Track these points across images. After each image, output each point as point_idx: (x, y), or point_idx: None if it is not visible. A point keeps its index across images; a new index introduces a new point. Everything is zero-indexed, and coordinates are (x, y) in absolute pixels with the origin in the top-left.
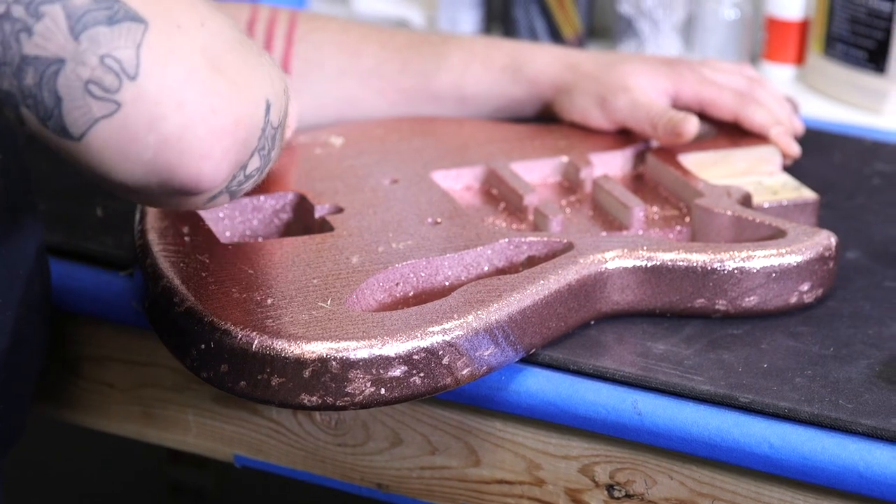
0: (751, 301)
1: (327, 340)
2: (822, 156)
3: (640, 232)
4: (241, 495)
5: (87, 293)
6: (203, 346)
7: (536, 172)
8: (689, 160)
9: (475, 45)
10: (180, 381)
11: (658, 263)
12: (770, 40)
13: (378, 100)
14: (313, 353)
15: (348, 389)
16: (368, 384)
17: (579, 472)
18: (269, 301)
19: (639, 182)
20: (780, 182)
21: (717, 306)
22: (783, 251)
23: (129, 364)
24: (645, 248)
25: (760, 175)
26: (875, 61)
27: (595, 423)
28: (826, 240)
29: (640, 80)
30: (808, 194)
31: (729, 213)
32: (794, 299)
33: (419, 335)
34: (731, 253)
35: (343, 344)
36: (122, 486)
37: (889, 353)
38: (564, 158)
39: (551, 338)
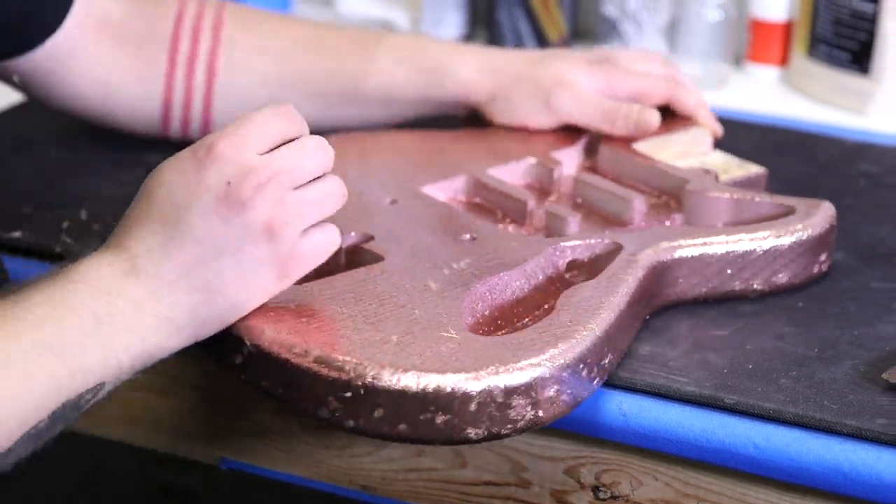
0: (783, 278)
1: (484, 370)
2: (808, 157)
3: (643, 224)
4: (229, 497)
5: None
6: (348, 394)
7: (507, 177)
8: (642, 147)
9: (405, 48)
10: (165, 384)
11: (705, 251)
12: (754, 42)
13: (305, 103)
14: (478, 384)
15: (511, 416)
16: (529, 408)
17: (565, 473)
18: (394, 338)
19: (596, 174)
20: (721, 161)
21: (754, 286)
22: (806, 225)
23: None
24: (688, 237)
25: (696, 156)
26: (859, 62)
27: (580, 425)
28: (830, 209)
29: (578, 76)
30: (756, 169)
31: (727, 195)
32: (815, 270)
33: (562, 352)
34: (765, 233)
35: (503, 369)
36: (110, 488)
37: (874, 353)
38: (532, 160)
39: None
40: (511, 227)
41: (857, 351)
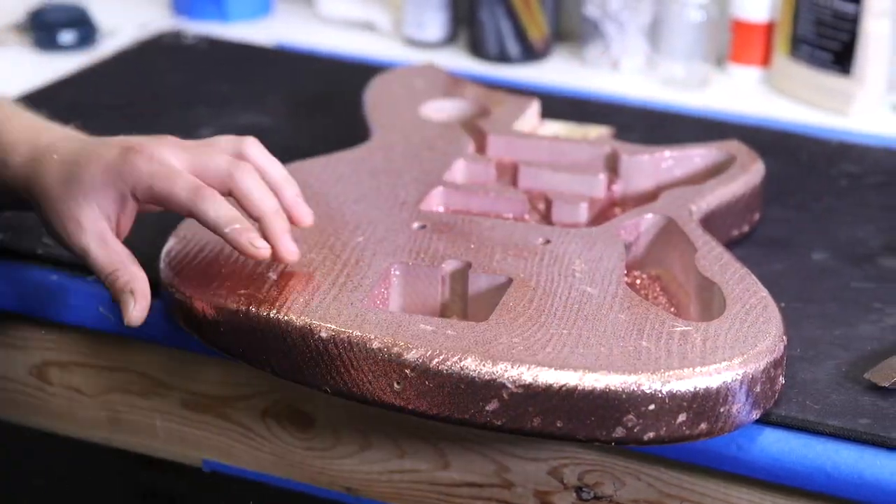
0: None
1: (741, 356)
2: (789, 157)
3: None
4: (212, 499)
5: (54, 298)
6: (651, 407)
7: (468, 178)
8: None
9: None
10: (148, 386)
11: (716, 204)
12: (736, 42)
13: None
14: (753, 367)
15: (773, 393)
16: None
17: (548, 474)
18: (644, 343)
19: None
20: (564, 127)
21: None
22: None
23: (97, 369)
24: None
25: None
26: (840, 63)
27: None
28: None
29: (91, 210)
30: (605, 129)
31: (667, 153)
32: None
33: (776, 344)
34: (741, 180)
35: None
36: (93, 491)
37: (856, 353)
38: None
39: None
40: (534, 219)
41: (838, 351)
